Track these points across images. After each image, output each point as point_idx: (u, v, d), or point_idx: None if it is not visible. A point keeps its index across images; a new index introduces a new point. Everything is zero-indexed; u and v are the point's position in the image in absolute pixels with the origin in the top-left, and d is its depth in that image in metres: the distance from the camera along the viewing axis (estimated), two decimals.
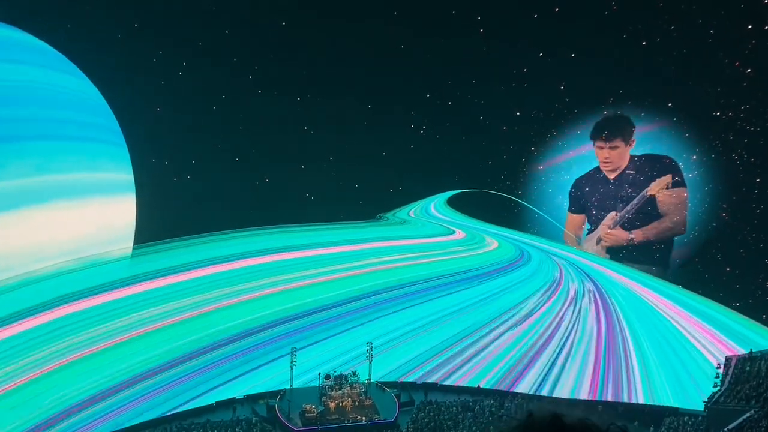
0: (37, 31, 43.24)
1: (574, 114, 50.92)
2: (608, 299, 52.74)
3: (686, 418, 35.29)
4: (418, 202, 55.49)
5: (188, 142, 47.99)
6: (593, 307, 52.59)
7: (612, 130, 50.43)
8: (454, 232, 55.80)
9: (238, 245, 48.80)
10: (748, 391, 33.03)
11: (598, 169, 51.93)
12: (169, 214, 47.05)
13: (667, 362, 47.61)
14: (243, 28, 47.64)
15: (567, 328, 50.97)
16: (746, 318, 48.12)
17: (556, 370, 47.55)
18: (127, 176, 46.64)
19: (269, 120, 49.20)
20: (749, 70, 45.98)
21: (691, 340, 48.59)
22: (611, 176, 51.38)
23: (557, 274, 54.84)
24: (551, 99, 50.69)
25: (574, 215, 53.34)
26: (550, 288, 53.94)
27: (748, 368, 34.17)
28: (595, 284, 53.69)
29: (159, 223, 46.90)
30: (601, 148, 50.92)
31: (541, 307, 52.18)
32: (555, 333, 50.30)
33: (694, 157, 48.92)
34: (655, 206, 50.50)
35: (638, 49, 47.46)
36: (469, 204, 54.62)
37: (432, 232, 55.15)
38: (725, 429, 31.03)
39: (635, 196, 50.63)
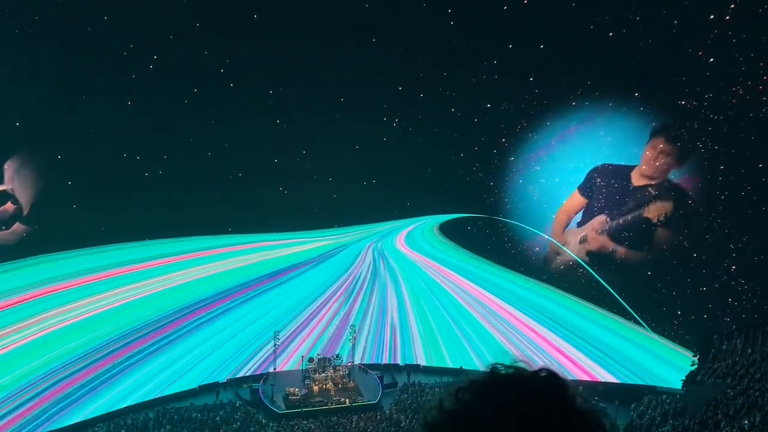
0: None
1: (544, 105, 51.50)
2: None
3: (664, 397, 35.90)
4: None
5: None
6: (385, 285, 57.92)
7: (676, 140, 49.01)
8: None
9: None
10: (724, 369, 33.79)
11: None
12: None
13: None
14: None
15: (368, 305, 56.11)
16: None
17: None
18: None
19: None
20: (711, 60, 47.16)
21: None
22: (643, 182, 50.52)
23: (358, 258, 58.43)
24: (521, 90, 51.18)
25: (580, 197, 52.60)
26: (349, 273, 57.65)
27: (724, 347, 34.97)
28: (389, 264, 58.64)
29: None
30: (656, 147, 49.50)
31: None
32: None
33: (662, 145, 49.93)
34: (650, 231, 50.82)
35: (605, 40, 48.21)
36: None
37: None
38: (702, 406, 31.66)
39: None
